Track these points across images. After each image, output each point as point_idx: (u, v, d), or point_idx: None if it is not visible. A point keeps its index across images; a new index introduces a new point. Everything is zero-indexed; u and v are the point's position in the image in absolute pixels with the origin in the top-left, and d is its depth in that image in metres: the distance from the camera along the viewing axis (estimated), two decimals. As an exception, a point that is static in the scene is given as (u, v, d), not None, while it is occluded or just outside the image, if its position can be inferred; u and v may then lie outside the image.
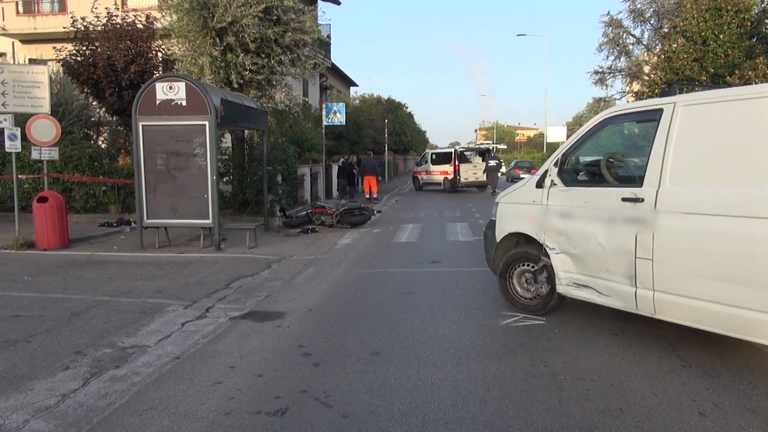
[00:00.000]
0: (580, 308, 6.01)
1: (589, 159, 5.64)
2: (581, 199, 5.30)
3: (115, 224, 13.86)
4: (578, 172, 5.61)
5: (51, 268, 9.18)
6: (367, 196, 21.78)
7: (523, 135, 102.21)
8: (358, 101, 35.86)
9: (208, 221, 10.88)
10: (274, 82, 15.12)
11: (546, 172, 5.67)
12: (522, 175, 28.85)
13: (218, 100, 10.70)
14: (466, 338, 5.32)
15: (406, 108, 48.35)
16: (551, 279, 5.66)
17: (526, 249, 5.94)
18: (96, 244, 11.65)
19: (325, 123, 18.92)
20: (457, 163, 26.95)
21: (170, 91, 10.70)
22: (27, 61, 22.12)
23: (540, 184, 5.70)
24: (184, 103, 10.69)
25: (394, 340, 5.30)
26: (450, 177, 27.32)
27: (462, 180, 27.04)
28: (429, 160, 29.34)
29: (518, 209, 5.97)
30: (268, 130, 15.69)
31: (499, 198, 6.37)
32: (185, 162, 10.90)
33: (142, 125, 10.82)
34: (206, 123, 10.64)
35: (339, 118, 18.79)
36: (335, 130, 23.69)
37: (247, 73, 13.95)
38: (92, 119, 18.28)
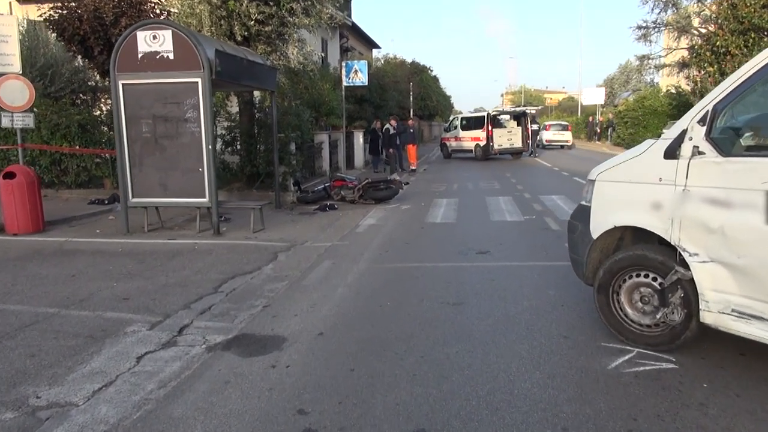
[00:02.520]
0: (721, 341, 4.00)
1: None
2: (754, 178, 3.25)
3: (106, 201, 12.14)
4: (745, 133, 3.52)
5: (5, 261, 7.46)
6: (413, 168, 19.79)
7: (552, 99, 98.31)
8: (381, 62, 33.47)
9: (205, 200, 9.03)
10: (286, 36, 13.02)
11: (683, 133, 3.61)
12: None
13: (212, 52, 8.71)
14: (562, 399, 3.37)
15: (431, 71, 45.79)
16: (690, 301, 3.66)
17: (644, 252, 3.93)
18: (77, 227, 9.92)
19: (345, 84, 16.85)
20: (490, 128, 24.62)
21: (154, 41, 8.74)
22: (27, 22, 20.37)
23: (672, 153, 3.65)
24: (171, 55, 8.74)
25: (446, 403, 3.39)
26: (482, 143, 25.05)
27: (495, 147, 24.75)
28: (459, 126, 27.05)
29: (632, 191, 3.94)
30: (280, 92, 13.69)
31: (596, 173, 4.33)
32: (175, 128, 9.01)
33: (122, 84, 8.92)
34: (198, 80, 8.69)
35: (361, 78, 16.69)
36: (357, 93, 21.55)
37: (252, 24, 11.89)
38: (89, 83, 16.46)
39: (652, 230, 3.81)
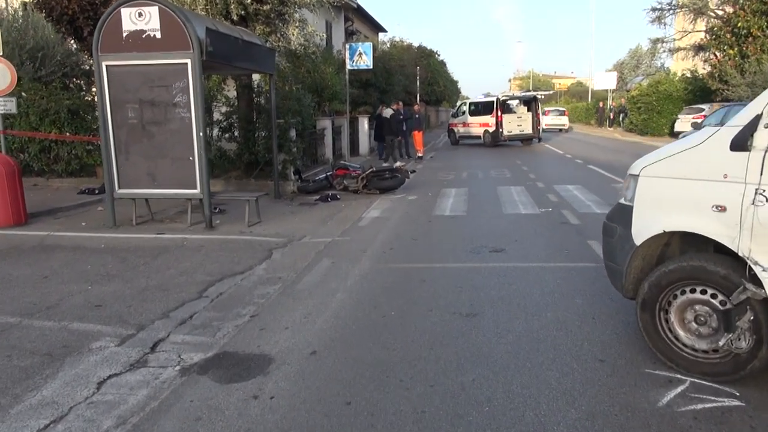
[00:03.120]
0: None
1: None
2: None
3: (97, 191, 11.51)
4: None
5: (-22, 260, 6.87)
6: (420, 155, 19.07)
7: (561, 84, 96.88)
8: (387, 46, 32.56)
9: (196, 191, 8.39)
10: (286, 16, 12.30)
11: (757, 119, 2.92)
12: None
13: (203, 31, 8.01)
14: (606, 450, 2.72)
15: (438, 56, 44.76)
16: (761, 325, 2.99)
17: (701, 264, 3.25)
18: (62, 219, 9.32)
19: (349, 67, 16.10)
20: (499, 113, 23.81)
21: (140, 19, 8.05)
22: (21, 6, 19.64)
23: (742, 144, 2.96)
24: (158, 34, 8.04)
25: (464, 451, 2.75)
26: (491, 129, 24.25)
27: (505, 133, 23.95)
28: (467, 111, 26.24)
29: (687, 189, 3.26)
30: (280, 75, 12.98)
31: (640, 167, 3.63)
32: (164, 114, 8.34)
33: (107, 65, 8.25)
34: (188, 61, 8.00)
35: (365, 61, 15.92)
36: (361, 77, 20.77)
37: (250, 2, 11.18)
38: (82, 67, 15.78)
39: (714, 238, 3.13)
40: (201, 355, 4.00)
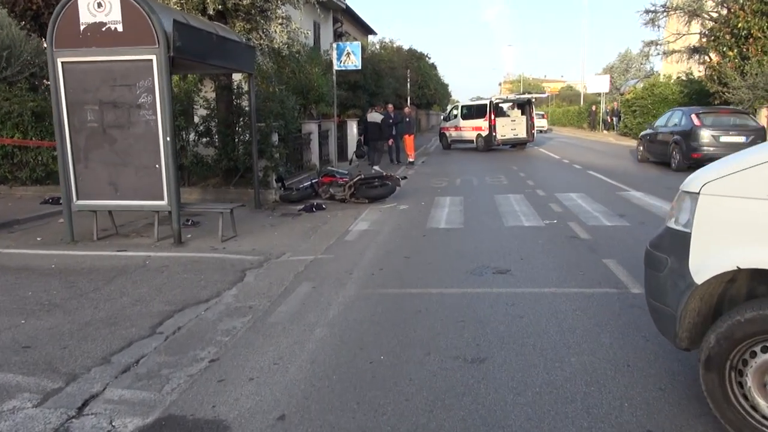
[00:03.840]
0: None
1: None
2: None
3: (61, 201, 10.59)
4: None
5: None
6: (411, 160, 18.27)
7: (551, 88, 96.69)
8: (377, 47, 31.78)
9: (163, 202, 7.52)
10: (269, 12, 11.47)
11: None
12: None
13: (170, 24, 7.16)
14: None
15: (429, 59, 44.08)
16: None
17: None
18: (17, 233, 8.41)
19: (336, 67, 15.29)
20: (492, 117, 23.07)
21: (99, 10, 7.18)
22: None
23: None
24: (119, 27, 7.19)
25: None
26: (484, 133, 23.50)
27: (498, 137, 23.20)
28: (459, 115, 25.49)
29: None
30: (261, 75, 12.14)
31: (700, 182, 2.81)
32: (127, 116, 7.48)
33: (62, 62, 7.38)
34: (153, 57, 7.16)
35: (354, 61, 15.11)
36: (350, 79, 19.95)
37: (228, -4, 10.34)
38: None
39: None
40: (138, 420, 3.14)
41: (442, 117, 60.19)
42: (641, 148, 17.81)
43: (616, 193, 10.97)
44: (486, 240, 7.39)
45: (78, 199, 7.72)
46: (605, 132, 35.12)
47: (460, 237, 7.64)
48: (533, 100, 25.06)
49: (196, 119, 11.50)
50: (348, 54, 14.98)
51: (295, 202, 10.75)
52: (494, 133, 23.13)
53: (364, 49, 20.10)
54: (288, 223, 9.02)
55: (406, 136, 18.43)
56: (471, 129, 24.47)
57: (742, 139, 14.02)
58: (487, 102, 23.85)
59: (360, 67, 15.83)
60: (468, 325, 4.40)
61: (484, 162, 19.07)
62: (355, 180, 10.67)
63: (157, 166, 7.45)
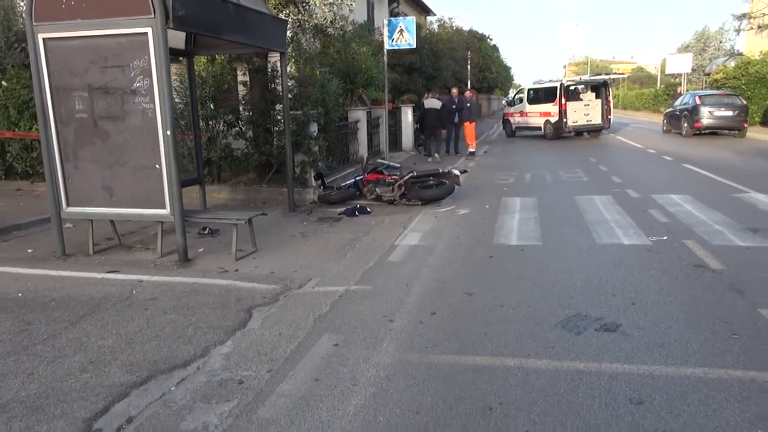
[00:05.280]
0: None
1: None
2: None
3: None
4: None
5: None
6: (472, 150, 16.30)
7: (619, 69, 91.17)
8: (435, 27, 29.67)
9: (164, 211, 6.09)
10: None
11: None
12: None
13: (169, -13, 5.65)
14: None
15: (491, 40, 41.54)
16: None
17: None
18: (13, 241, 7.26)
19: (387, 46, 13.55)
20: (563, 101, 20.72)
21: (85, -28, 5.75)
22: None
23: None
24: (108, -7, 5.75)
25: None
26: (553, 119, 21.18)
27: (570, 123, 20.84)
28: (525, 99, 23.20)
29: None
30: (301, 56, 10.57)
31: None
32: (120, 105, 6.06)
33: (44, 39, 6.03)
34: (148, 30, 5.68)
35: (407, 39, 13.32)
36: (405, 61, 18.14)
37: (259, -38, 8.77)
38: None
39: None
40: None
41: (503, 102, 57.53)
42: (665, 121, 23.55)
43: (732, 196, 8.77)
44: (576, 267, 5.53)
45: (68, 205, 6.40)
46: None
47: (540, 260, 5.81)
48: (610, 81, 22.45)
49: (224, 107, 10.09)
50: (401, 31, 13.19)
51: (335, 203, 9.18)
52: (565, 119, 20.77)
53: (419, 27, 18.23)
54: (323, 233, 7.44)
55: (467, 123, 16.49)
56: (538, 114, 22.19)
57: (730, 113, 19.42)
58: (558, 84, 21.45)
59: (414, 46, 13.99)
60: (573, 447, 2.65)
61: (555, 152, 16.91)
62: (405, 178, 8.97)
63: (157, 166, 6.02)
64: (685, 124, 20.35)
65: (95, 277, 5.67)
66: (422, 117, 15.69)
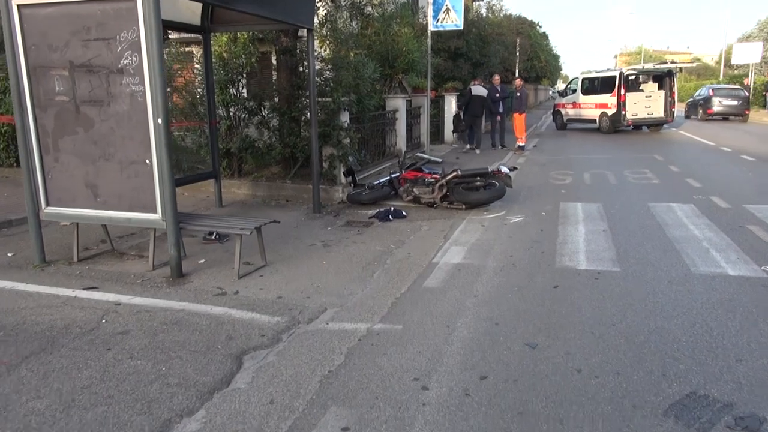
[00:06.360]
0: None
1: None
2: None
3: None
4: None
5: None
6: (521, 144, 14.82)
7: (673, 60, 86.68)
8: (484, 10, 28.01)
9: (155, 216, 5.04)
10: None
11: None
12: None
13: (162, -60, 4.54)
14: None
15: (540, 27, 39.42)
16: None
17: None
18: (-6, 243, 6.36)
19: (432, 28, 12.25)
20: (623, 92, 18.95)
21: (63, -77, 4.71)
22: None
23: None
24: (91, -50, 4.69)
25: None
26: (610, 111, 19.46)
27: (629, 116, 19.09)
28: (579, 89, 21.47)
29: None
30: (335, 36, 9.40)
31: None
32: (105, 86, 5.02)
33: (19, 6, 5.04)
34: (136, -4, 4.61)
35: (454, 19, 11.97)
36: (450, 46, 16.77)
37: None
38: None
39: None
40: None
41: (550, 93, 55.01)
42: (686, 109, 27.98)
43: None
44: (672, 308, 4.20)
45: (48, 204, 5.43)
46: (763, 110, 29.18)
47: (621, 295, 4.50)
48: (676, 71, 20.51)
49: (247, 92, 9.04)
50: (447, 10, 11.85)
51: (366, 204, 8.03)
52: (623, 112, 19.03)
53: (467, 9, 16.79)
54: (349, 242, 6.28)
55: (517, 115, 15.02)
56: (594, 106, 20.47)
57: (735, 102, 24.55)
58: (617, 73, 19.66)
59: (461, 27, 12.62)
60: None
61: (614, 148, 15.30)
62: (448, 177, 7.71)
63: (147, 161, 4.97)
64: (700, 111, 25.63)
65: (67, 294, 4.67)
66: (467, 105, 14.33)
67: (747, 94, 25.74)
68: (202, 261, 5.59)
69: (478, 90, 14.25)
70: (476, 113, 14.33)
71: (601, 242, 5.98)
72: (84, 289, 4.80)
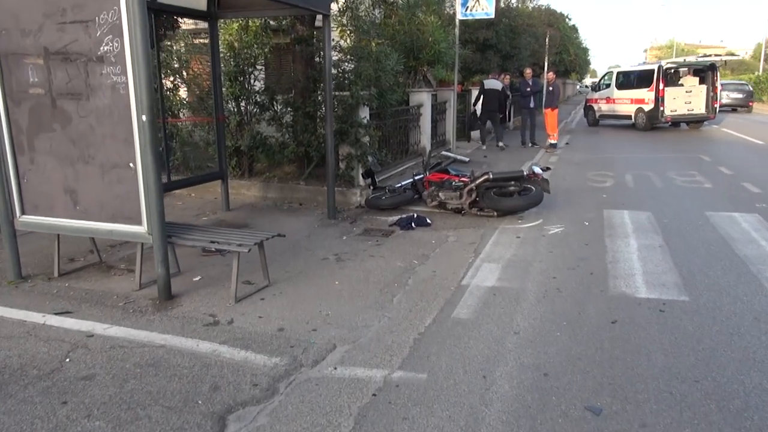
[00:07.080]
0: None
1: None
2: None
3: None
4: None
5: None
6: (553, 141, 13.84)
7: (705, 54, 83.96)
8: (514, 1, 26.90)
9: (140, 229, 4.34)
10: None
11: None
12: None
13: None
14: None
15: (570, 20, 38.09)
16: None
17: None
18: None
19: (460, 16, 11.39)
20: (661, 86, 17.81)
21: None
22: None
23: None
24: None
25: None
26: (647, 107, 18.30)
27: (667, 112, 17.92)
28: (613, 83, 20.33)
29: None
30: (355, 25, 8.62)
31: None
32: (84, 77, 4.32)
33: (-13, -16, 4.37)
34: (115, -32, 3.89)
35: (485, 7, 11.08)
36: (478, 36, 15.85)
37: None
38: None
39: None
40: None
41: (578, 87, 53.42)
42: None
43: None
44: (766, 356, 3.36)
45: (24, 212, 4.77)
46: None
47: (698, 336, 3.66)
48: (720, 64, 19.29)
49: (259, 85, 8.32)
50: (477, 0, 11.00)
51: (386, 209, 7.26)
52: (662, 107, 17.88)
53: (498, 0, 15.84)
54: (366, 256, 5.52)
55: (548, 110, 14.05)
56: (629, 101, 19.32)
57: (741, 96, 27.01)
58: (655, 67, 18.50)
59: (492, 16, 11.74)
60: None
61: (653, 146, 14.25)
62: (478, 181, 6.89)
63: (131, 165, 4.26)
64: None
65: (35, 321, 4.00)
66: (481, 100, 13.44)
67: (750, 89, 28.11)
68: (197, 278, 4.89)
69: (492, 84, 13.38)
70: (492, 108, 13.44)
71: (659, 261, 5.12)
72: (56, 314, 4.13)
